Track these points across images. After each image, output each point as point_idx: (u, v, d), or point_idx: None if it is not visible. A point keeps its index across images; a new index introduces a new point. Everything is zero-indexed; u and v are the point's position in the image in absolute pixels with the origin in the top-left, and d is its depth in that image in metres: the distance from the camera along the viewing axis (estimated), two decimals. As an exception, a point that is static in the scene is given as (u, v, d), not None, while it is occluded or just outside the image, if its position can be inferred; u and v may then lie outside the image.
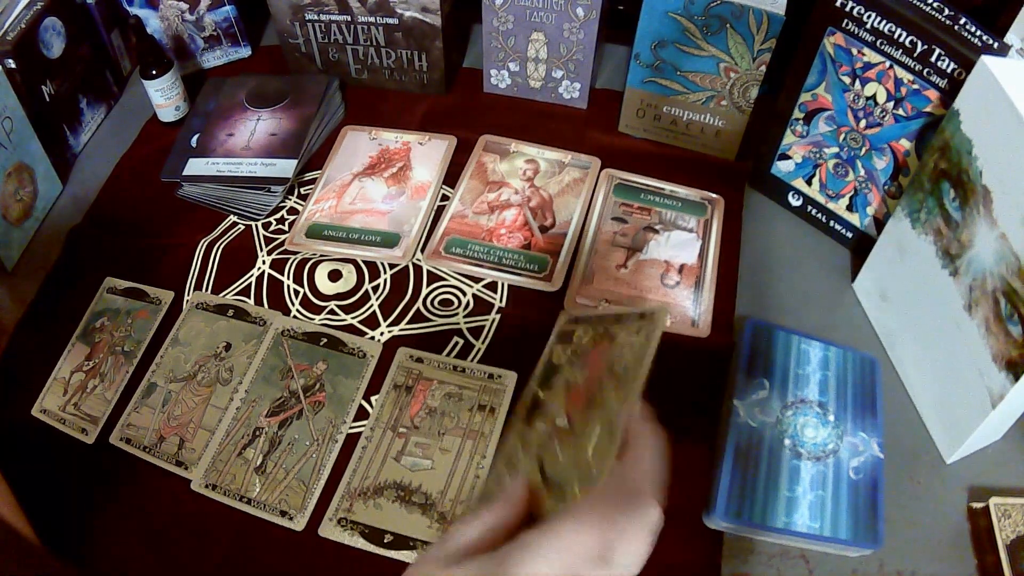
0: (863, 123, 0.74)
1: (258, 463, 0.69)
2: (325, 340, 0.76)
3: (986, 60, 0.58)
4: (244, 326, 0.77)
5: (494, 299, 0.79)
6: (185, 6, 0.98)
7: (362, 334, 0.77)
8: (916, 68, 0.68)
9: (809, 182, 0.83)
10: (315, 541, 0.64)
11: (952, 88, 0.65)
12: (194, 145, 0.92)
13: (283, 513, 0.66)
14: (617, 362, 0.49)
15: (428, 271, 0.81)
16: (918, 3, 0.66)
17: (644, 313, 0.52)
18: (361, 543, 0.64)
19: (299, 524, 0.65)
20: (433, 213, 0.86)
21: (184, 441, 0.70)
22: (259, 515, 0.66)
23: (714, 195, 0.86)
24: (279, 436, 0.70)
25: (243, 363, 0.75)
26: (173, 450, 0.70)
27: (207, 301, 0.79)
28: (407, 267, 0.81)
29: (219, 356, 0.75)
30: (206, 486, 0.68)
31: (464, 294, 0.79)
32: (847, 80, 0.73)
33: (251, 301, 0.79)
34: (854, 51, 0.71)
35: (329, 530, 0.65)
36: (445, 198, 0.87)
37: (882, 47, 0.69)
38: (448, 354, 0.75)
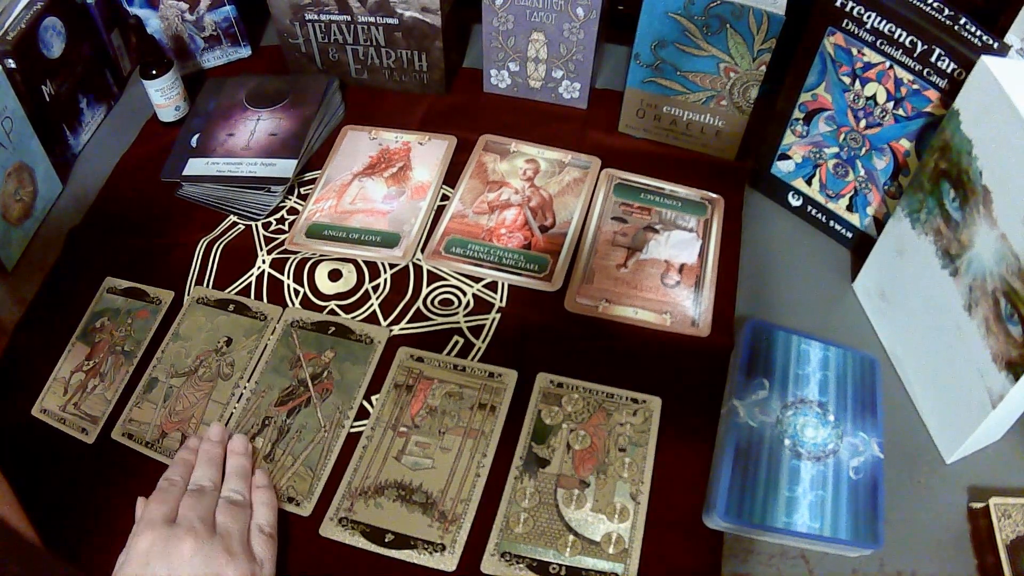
0: (863, 123, 0.74)
1: (267, 451, 0.69)
2: (333, 328, 0.76)
3: (986, 60, 0.58)
4: (245, 321, 0.77)
5: (494, 299, 0.79)
6: (185, 6, 0.98)
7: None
8: (916, 68, 0.68)
9: (809, 182, 0.83)
10: (316, 540, 0.65)
11: (952, 88, 0.65)
12: (194, 145, 0.92)
13: (291, 499, 0.66)
14: (620, 438, 0.68)
15: (428, 271, 0.81)
16: (918, 3, 0.66)
17: (637, 399, 0.70)
18: (362, 542, 0.64)
19: (306, 510, 0.66)
20: (433, 213, 0.86)
21: (186, 437, 0.70)
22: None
23: (714, 195, 0.86)
24: (287, 424, 0.70)
25: (244, 358, 0.75)
26: (175, 445, 0.70)
27: (208, 296, 0.79)
28: (407, 267, 0.82)
29: (220, 351, 0.75)
30: None
31: (464, 294, 0.79)
32: (847, 80, 0.73)
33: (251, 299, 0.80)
34: (854, 51, 0.71)
35: (330, 530, 0.65)
36: (445, 198, 0.87)
37: (882, 47, 0.69)
38: (448, 353, 0.75)
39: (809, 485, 0.63)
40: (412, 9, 0.91)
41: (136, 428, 0.71)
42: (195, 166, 0.89)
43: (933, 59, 0.66)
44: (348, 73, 1.00)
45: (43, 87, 0.88)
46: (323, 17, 0.94)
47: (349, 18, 0.93)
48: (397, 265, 0.82)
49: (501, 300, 0.79)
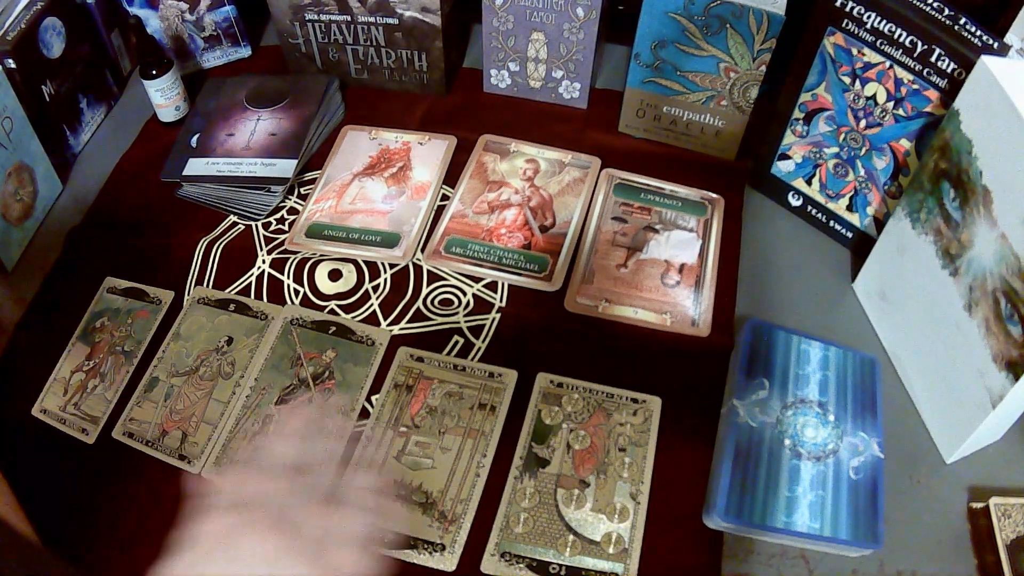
0: (863, 123, 0.74)
1: None
2: (334, 328, 0.76)
3: (986, 60, 0.58)
4: (246, 320, 0.77)
5: (494, 299, 0.79)
6: (185, 6, 0.98)
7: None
8: (916, 68, 0.68)
9: (809, 182, 0.83)
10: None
11: (952, 88, 0.65)
12: (194, 145, 0.92)
13: None
14: (620, 438, 0.68)
15: (428, 271, 0.81)
16: (918, 3, 0.66)
17: (637, 399, 0.70)
18: (361, 543, 0.64)
19: None
20: (433, 213, 0.86)
21: (187, 435, 0.70)
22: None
23: (714, 195, 0.86)
24: None
25: (245, 356, 0.75)
26: (176, 444, 0.70)
27: (208, 296, 0.80)
28: (407, 267, 0.82)
29: (220, 350, 0.75)
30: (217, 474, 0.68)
31: (464, 294, 0.79)
32: (847, 80, 0.73)
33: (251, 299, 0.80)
34: (854, 51, 0.71)
35: (329, 530, 0.65)
36: (445, 198, 0.87)
37: (882, 47, 0.69)
38: (448, 353, 0.75)
39: (809, 485, 0.63)
40: (412, 9, 0.91)
41: (137, 427, 0.71)
42: (195, 166, 0.89)
43: (933, 59, 0.66)
44: (348, 73, 1.00)
45: (43, 87, 0.88)
46: (323, 17, 0.94)
47: (349, 18, 0.93)
48: (397, 265, 0.82)
49: (501, 300, 0.79)
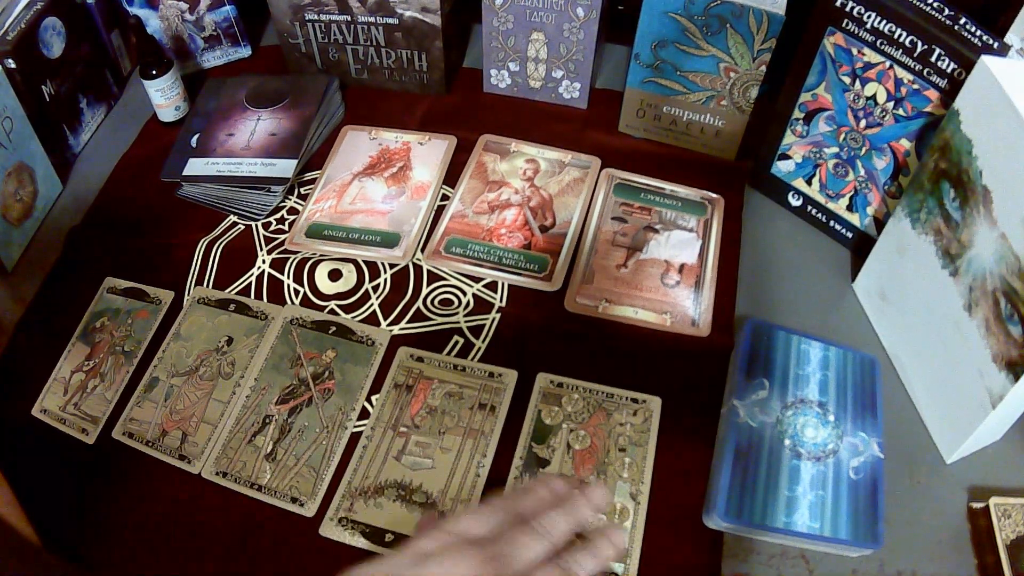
0: (863, 123, 0.74)
1: (268, 450, 0.69)
2: (334, 328, 0.76)
3: (986, 60, 0.58)
4: (246, 320, 0.77)
5: (494, 299, 0.79)
6: (185, 6, 0.98)
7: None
8: (916, 68, 0.68)
9: (809, 182, 0.83)
10: (316, 541, 0.65)
11: (952, 88, 0.65)
12: (194, 145, 0.92)
13: (294, 500, 0.66)
14: (620, 438, 0.68)
15: (428, 271, 0.81)
16: (918, 3, 0.66)
17: (637, 399, 0.70)
18: (362, 543, 0.64)
19: (310, 510, 0.66)
20: (433, 213, 0.86)
21: (187, 435, 0.70)
22: (270, 502, 0.66)
23: (714, 195, 0.86)
24: (289, 423, 0.70)
25: (245, 357, 0.75)
26: (176, 444, 0.70)
27: (208, 296, 0.80)
28: (407, 267, 0.82)
29: (221, 350, 0.75)
30: (216, 473, 0.68)
31: (464, 294, 0.79)
32: (847, 80, 0.73)
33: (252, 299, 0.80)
34: (854, 51, 0.71)
35: (330, 530, 0.65)
36: (445, 198, 0.87)
37: (882, 47, 0.69)
38: (448, 353, 0.75)
39: (809, 485, 0.63)
40: (412, 9, 0.91)
41: (137, 427, 0.71)
42: (195, 166, 0.89)
43: (933, 59, 0.66)
44: (348, 73, 1.00)
45: (43, 87, 0.88)
46: (323, 17, 0.94)
47: (349, 18, 0.93)
48: (397, 265, 0.82)
49: (501, 300, 0.79)
